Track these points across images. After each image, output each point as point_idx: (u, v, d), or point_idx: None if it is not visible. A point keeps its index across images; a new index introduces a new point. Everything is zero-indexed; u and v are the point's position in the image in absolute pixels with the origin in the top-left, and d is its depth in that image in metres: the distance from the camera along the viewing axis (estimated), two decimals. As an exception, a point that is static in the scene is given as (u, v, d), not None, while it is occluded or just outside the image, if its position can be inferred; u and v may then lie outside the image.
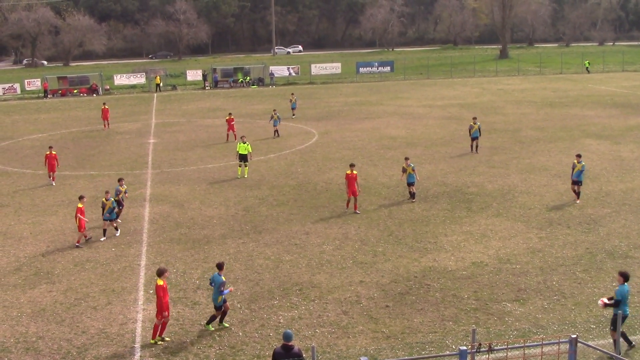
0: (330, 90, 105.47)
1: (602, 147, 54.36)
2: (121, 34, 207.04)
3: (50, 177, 47.68)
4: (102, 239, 34.95)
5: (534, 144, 56.46)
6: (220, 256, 31.96)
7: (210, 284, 24.60)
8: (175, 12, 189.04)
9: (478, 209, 38.57)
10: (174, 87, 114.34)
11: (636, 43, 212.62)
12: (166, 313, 23.60)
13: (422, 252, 31.88)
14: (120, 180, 38.94)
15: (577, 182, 39.43)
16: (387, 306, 26.10)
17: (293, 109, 76.08)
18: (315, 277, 29.15)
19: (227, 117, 63.20)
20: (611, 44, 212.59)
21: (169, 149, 59.00)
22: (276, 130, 63.60)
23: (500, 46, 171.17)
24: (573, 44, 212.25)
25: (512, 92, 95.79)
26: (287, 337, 18.34)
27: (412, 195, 40.88)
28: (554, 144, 56.29)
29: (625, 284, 22.34)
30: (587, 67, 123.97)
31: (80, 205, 34.35)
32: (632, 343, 22.59)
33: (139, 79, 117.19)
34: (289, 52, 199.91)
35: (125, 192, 38.87)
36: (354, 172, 38.31)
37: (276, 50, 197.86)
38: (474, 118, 55.31)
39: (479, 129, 53.95)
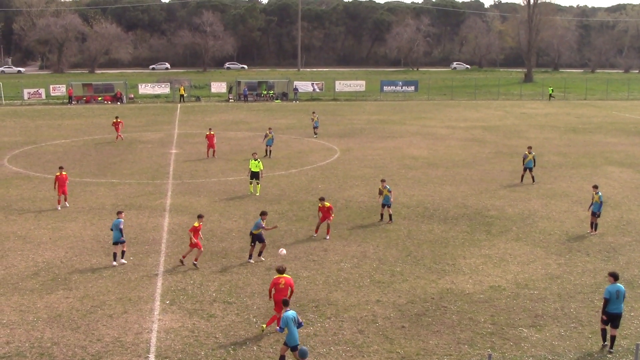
0: (353, 107, 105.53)
1: (625, 175, 54.10)
2: (147, 44, 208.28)
3: (58, 201, 43.37)
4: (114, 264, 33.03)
5: (556, 169, 56.25)
6: (238, 269, 32.01)
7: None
8: (202, 23, 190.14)
9: (497, 232, 38.44)
10: (198, 99, 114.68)
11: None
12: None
13: (440, 274, 31.78)
14: (263, 214, 33.80)
15: (594, 214, 38.76)
16: (403, 327, 26.03)
17: (315, 127, 74.11)
18: (332, 294, 29.10)
19: (208, 133, 61.55)
20: (637, 71, 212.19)
21: (190, 160, 59.13)
22: (269, 150, 61.33)
23: (525, 70, 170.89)
24: (598, 70, 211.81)
25: (536, 116, 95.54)
26: (302, 354, 18.33)
27: (389, 217, 40.51)
28: (576, 170, 56.09)
29: (616, 283, 24.28)
30: (550, 94, 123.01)
31: (196, 225, 33.07)
32: (605, 343, 24.58)
33: (164, 89, 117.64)
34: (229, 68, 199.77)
35: (264, 227, 33.48)
36: (326, 204, 37.02)
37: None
38: (529, 147, 52.50)
39: (534, 159, 51.69)
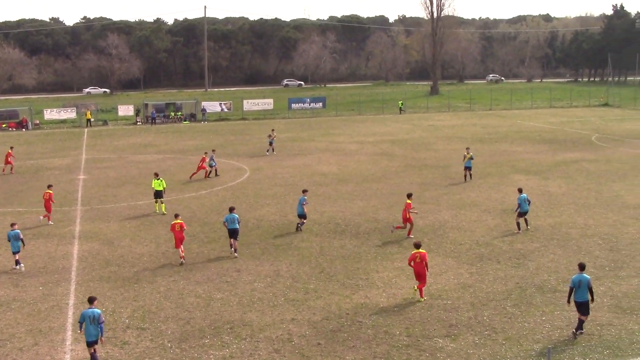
0: (262, 126, 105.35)
1: (531, 182, 55.05)
2: (52, 68, 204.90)
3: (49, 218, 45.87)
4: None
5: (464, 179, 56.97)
6: (151, 294, 31.66)
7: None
8: (108, 46, 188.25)
9: (409, 245, 38.59)
10: (105, 123, 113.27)
11: (563, 80, 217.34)
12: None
13: (354, 289, 31.88)
14: (305, 191, 43.46)
15: (523, 214, 41.30)
16: (319, 344, 26.01)
17: (271, 144, 75.15)
18: (247, 315, 28.96)
19: (204, 155, 61.45)
20: (539, 80, 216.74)
21: (99, 185, 58.30)
22: (214, 170, 61.31)
23: (431, 82, 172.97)
24: (502, 81, 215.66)
25: (443, 128, 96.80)
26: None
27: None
28: (484, 179, 56.90)
29: (582, 273, 26.34)
30: (400, 107, 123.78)
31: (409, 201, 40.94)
32: (581, 330, 26.48)
33: (70, 114, 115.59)
34: (300, 85, 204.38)
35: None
36: (178, 221, 37.22)
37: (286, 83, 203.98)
38: (467, 148, 58.74)
39: (472, 159, 56.82)
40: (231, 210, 38.35)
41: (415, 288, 30.77)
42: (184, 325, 28.02)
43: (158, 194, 47.89)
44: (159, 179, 48.30)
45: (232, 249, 37.49)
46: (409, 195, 41.41)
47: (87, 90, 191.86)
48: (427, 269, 30.66)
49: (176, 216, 37.75)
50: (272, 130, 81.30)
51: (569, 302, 26.43)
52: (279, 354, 25.22)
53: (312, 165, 66.43)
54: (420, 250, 30.59)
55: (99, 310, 24.52)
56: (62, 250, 39.29)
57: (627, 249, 37.09)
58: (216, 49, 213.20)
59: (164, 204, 47.96)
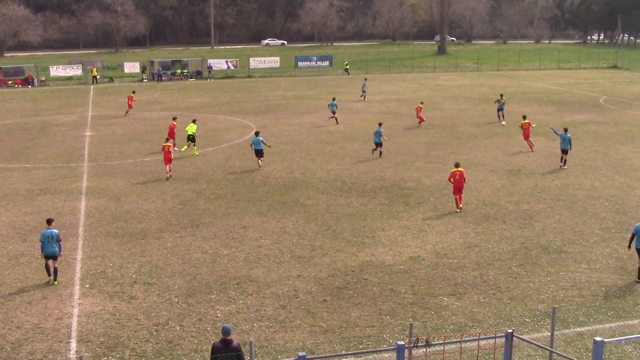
0: (268, 84, 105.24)
1: (538, 143, 54.88)
2: (57, 25, 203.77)
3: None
4: None
5: (471, 139, 56.93)
6: (158, 250, 31.79)
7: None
8: (113, 3, 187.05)
9: (415, 203, 38.80)
10: (111, 79, 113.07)
11: (571, 41, 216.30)
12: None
13: (360, 247, 31.98)
14: (380, 124, 53.56)
15: (564, 151, 47.05)
16: (324, 300, 26.14)
17: (364, 92, 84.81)
18: (253, 271, 29.08)
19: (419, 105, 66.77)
20: (547, 41, 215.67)
21: (105, 141, 58.32)
22: (334, 117, 66.76)
23: (438, 42, 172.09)
24: (510, 42, 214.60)
25: (450, 87, 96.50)
26: (226, 331, 18.26)
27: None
28: (491, 140, 56.84)
29: None
30: (346, 69, 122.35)
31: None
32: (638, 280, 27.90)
33: (76, 71, 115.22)
34: (267, 44, 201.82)
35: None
36: (169, 143, 46.05)
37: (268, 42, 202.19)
38: (501, 95, 68.91)
39: (504, 103, 67.22)
40: (257, 134, 47.88)
41: (459, 209, 37.12)
42: (191, 281, 28.16)
43: (191, 138, 52.28)
44: (195, 124, 54.03)
45: (259, 162, 47.41)
46: (525, 117, 54.22)
47: (265, 41, 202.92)
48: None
49: (167, 140, 47.46)
50: (365, 79, 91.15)
51: (629, 247, 28.03)
52: (285, 310, 25.37)
53: (318, 123, 66.36)
54: (459, 168, 37.30)
55: (56, 231, 28.32)
56: (70, 205, 39.42)
57: (633, 212, 37.08)
58: (222, 7, 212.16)
59: (195, 146, 52.77)
